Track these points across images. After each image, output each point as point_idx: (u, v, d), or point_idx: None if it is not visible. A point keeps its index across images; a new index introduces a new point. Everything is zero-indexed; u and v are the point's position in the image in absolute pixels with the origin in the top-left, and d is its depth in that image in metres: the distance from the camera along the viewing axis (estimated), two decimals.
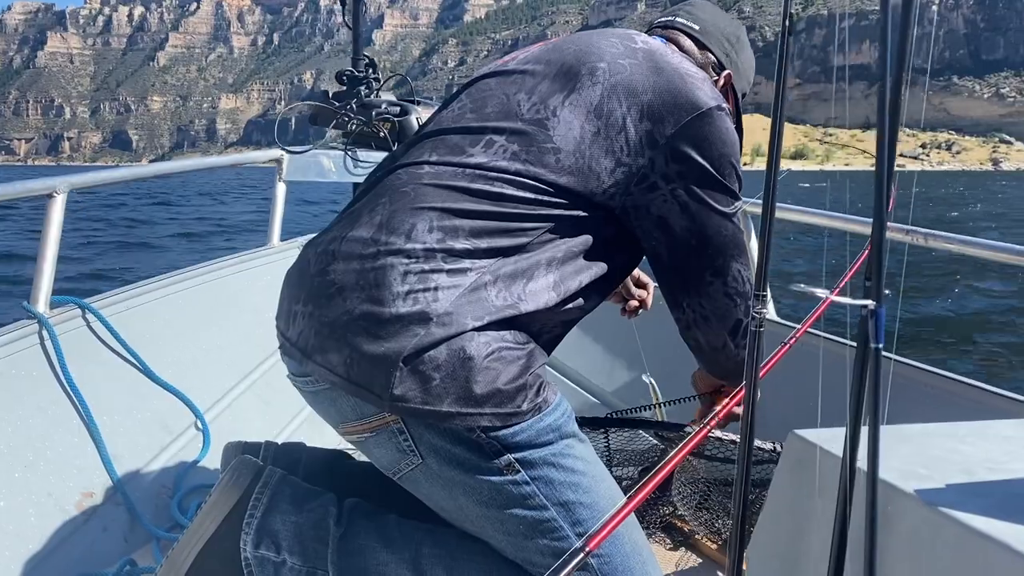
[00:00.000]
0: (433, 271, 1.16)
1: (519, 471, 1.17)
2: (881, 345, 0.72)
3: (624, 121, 1.24)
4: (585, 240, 1.26)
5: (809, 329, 1.53)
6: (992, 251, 1.81)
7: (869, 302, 0.72)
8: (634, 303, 1.79)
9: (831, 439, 0.85)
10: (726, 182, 1.29)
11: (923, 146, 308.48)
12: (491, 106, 1.29)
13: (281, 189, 2.79)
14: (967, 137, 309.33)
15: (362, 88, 2.25)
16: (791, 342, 1.35)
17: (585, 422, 1.72)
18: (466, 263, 1.18)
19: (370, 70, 2.29)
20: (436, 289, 1.15)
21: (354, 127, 2.21)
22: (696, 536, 1.85)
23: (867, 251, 1.36)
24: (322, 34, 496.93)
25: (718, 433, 1.63)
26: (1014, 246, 1.77)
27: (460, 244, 1.18)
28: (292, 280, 1.29)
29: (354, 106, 2.21)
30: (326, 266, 1.22)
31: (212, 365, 2.32)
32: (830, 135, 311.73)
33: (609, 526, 1.00)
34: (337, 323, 1.17)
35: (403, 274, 1.16)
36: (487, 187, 1.21)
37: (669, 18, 1.55)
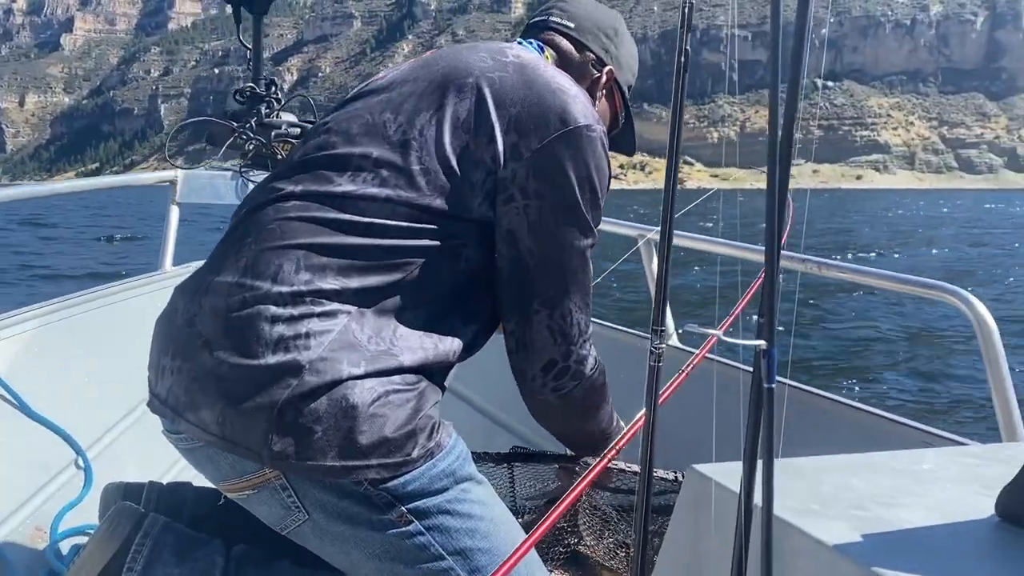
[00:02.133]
0: (303, 316, 1.11)
1: (412, 522, 1.13)
2: (774, 385, 0.73)
3: (493, 132, 1.20)
4: (462, 271, 1.22)
5: (709, 355, 1.57)
6: (884, 280, 1.85)
7: (762, 342, 0.72)
8: None
9: (728, 473, 0.86)
10: (583, 209, 1.24)
11: (621, 167, 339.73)
12: (357, 130, 1.24)
13: (175, 211, 2.66)
14: (657, 159, 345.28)
15: (262, 107, 2.20)
16: (685, 372, 1.38)
17: (488, 457, 1.72)
18: (336, 305, 1.13)
19: (271, 88, 2.23)
20: (307, 336, 1.10)
21: (251, 147, 2.17)
22: (602, 567, 1.85)
23: (758, 282, 1.55)
24: None
25: (621, 464, 1.61)
26: (905, 275, 1.84)
27: (329, 284, 1.13)
28: (161, 330, 1.24)
29: (253, 125, 2.16)
30: (192, 316, 1.17)
31: (96, 398, 2.16)
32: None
33: (505, 567, 1.03)
34: (206, 378, 1.12)
35: (271, 321, 1.11)
36: (356, 218, 1.17)
37: (543, 17, 1.50)
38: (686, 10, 0.89)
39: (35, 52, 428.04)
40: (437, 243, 1.18)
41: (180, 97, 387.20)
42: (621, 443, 1.25)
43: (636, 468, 1.54)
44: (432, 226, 1.18)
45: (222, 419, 1.10)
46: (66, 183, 2.53)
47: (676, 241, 1.83)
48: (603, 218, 2.51)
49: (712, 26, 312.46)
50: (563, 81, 1.28)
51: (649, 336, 2.28)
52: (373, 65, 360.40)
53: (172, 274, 2.63)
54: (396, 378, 1.12)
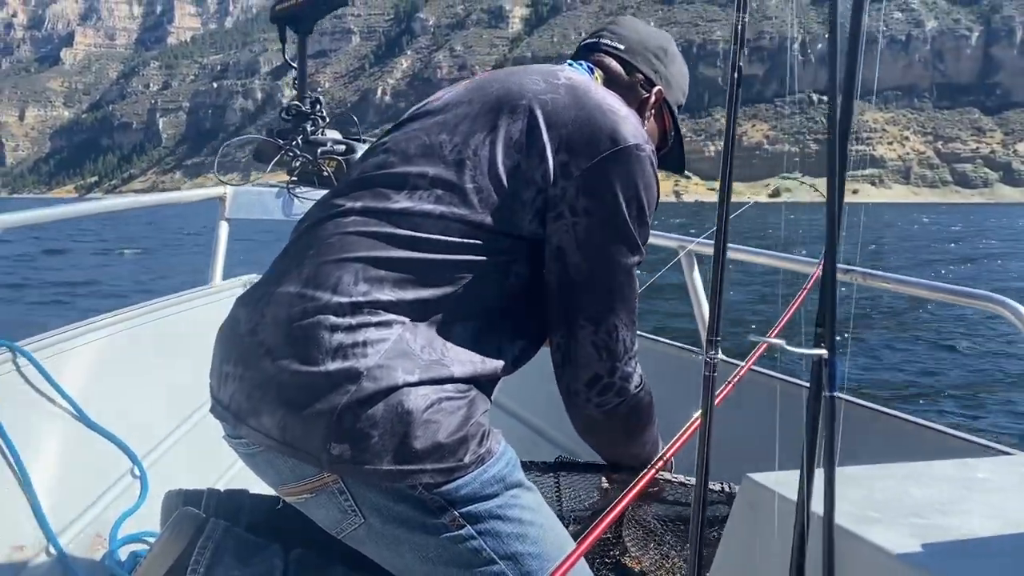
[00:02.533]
0: (360, 325, 1.15)
1: (465, 526, 1.16)
2: (835, 394, 0.72)
3: (544, 152, 1.23)
4: (511, 286, 1.26)
5: (755, 368, 1.56)
6: (929, 290, 1.86)
7: (823, 351, 0.72)
8: None
9: (784, 482, 0.86)
10: (631, 227, 1.27)
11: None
12: (414, 150, 1.28)
13: (224, 226, 2.73)
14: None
15: (307, 125, 2.26)
16: (733, 382, 1.38)
17: (535, 466, 1.73)
18: (391, 316, 1.17)
19: (317, 106, 2.29)
20: (365, 344, 1.14)
21: (298, 164, 2.22)
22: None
23: (805, 291, 1.72)
24: None
25: (667, 475, 1.61)
26: (951, 285, 1.84)
27: (385, 296, 1.17)
28: (223, 338, 1.28)
29: (299, 143, 2.22)
30: (255, 326, 1.21)
31: (150, 409, 2.24)
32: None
33: (558, 574, 1.05)
34: (268, 385, 1.16)
35: (331, 330, 1.15)
36: (412, 233, 1.21)
37: (594, 40, 1.53)
38: (739, 27, 0.90)
39: (35, 66, 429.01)
40: (488, 259, 1.22)
41: (178, 111, 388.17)
42: (669, 453, 1.27)
43: (683, 479, 1.57)
44: (484, 242, 1.22)
45: (283, 424, 1.14)
46: (121, 200, 2.58)
47: (731, 255, 1.81)
48: None
49: (708, 41, 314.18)
50: (613, 102, 1.31)
51: (694, 350, 2.37)
52: (372, 80, 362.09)
53: (221, 288, 2.70)
54: (448, 386, 1.16)
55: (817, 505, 0.75)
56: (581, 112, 1.27)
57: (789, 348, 0.79)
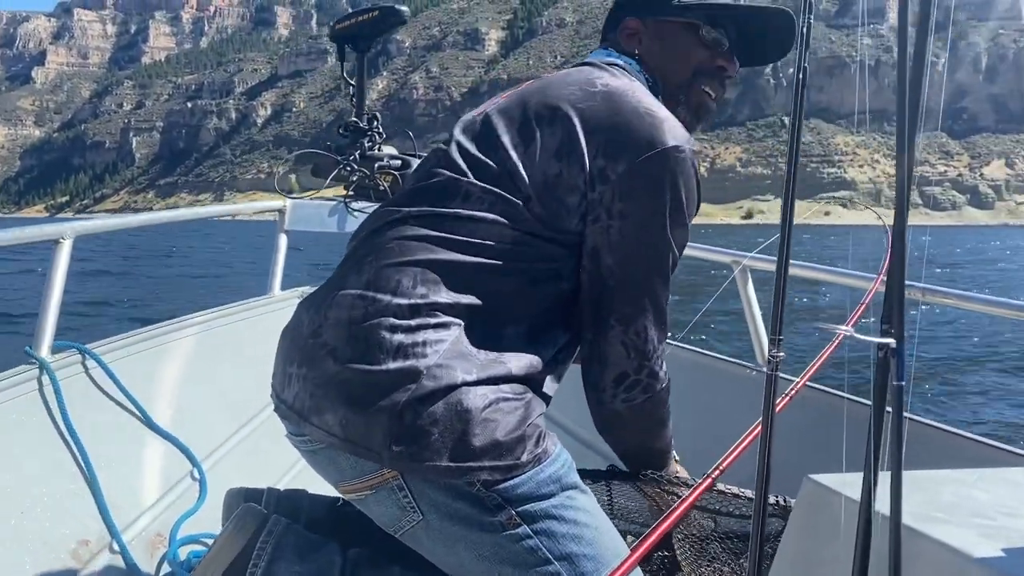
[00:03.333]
0: (420, 327, 1.18)
1: (521, 524, 1.16)
2: (904, 383, 0.72)
3: (583, 159, 1.24)
4: (562, 289, 1.29)
5: (808, 383, 1.55)
6: (986, 305, 1.89)
7: (890, 340, 0.73)
8: None
9: (846, 484, 0.86)
10: (666, 230, 1.27)
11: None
12: (463, 162, 1.31)
13: (283, 238, 2.80)
14: None
15: (365, 141, 2.32)
16: (801, 383, 1.41)
17: (587, 474, 1.73)
18: (449, 317, 1.19)
19: (374, 123, 2.36)
20: (424, 344, 1.17)
21: (355, 179, 2.28)
22: None
23: (872, 291, 1.69)
24: None
25: (720, 486, 1.60)
26: (1011, 300, 1.86)
27: (443, 298, 1.20)
28: (286, 341, 1.31)
29: (357, 157, 2.28)
30: (318, 327, 1.24)
31: (211, 413, 2.30)
32: None
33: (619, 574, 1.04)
34: (330, 384, 1.19)
35: (391, 331, 1.17)
36: (467, 239, 1.24)
37: (610, 17, 1.55)
38: (805, 29, 0.90)
39: (6, 85, 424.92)
40: (539, 264, 1.26)
41: (152, 131, 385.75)
42: (727, 461, 1.25)
43: (737, 490, 1.56)
44: (535, 248, 1.25)
45: (345, 422, 1.16)
46: (184, 211, 2.72)
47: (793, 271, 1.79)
48: (695, 245, 2.65)
49: None
50: (651, 105, 1.30)
51: (748, 364, 2.41)
52: (347, 100, 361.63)
53: (280, 298, 2.78)
54: (505, 386, 1.18)
55: (880, 506, 0.73)
56: (618, 117, 1.27)
57: (860, 336, 0.80)
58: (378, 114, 2.36)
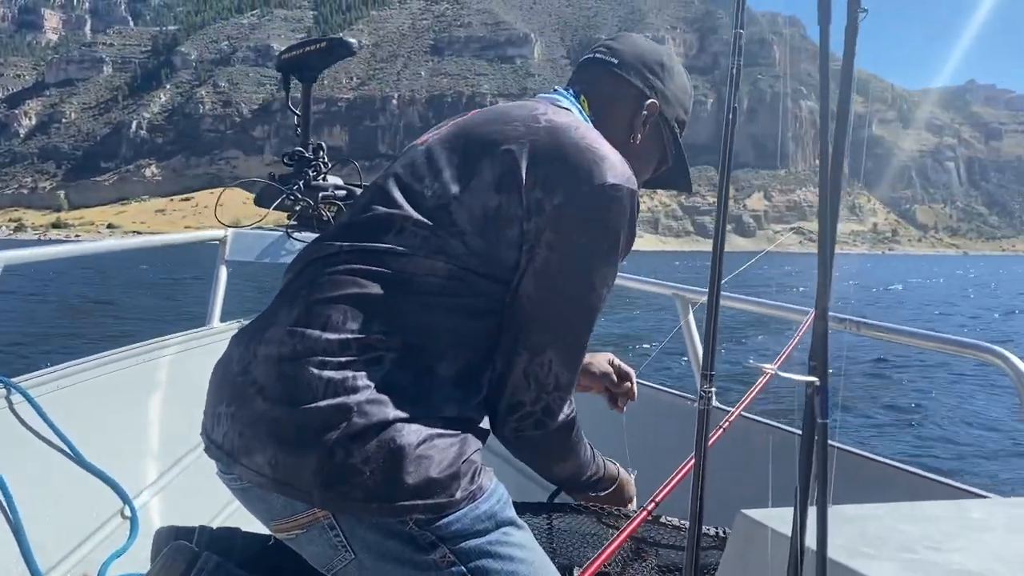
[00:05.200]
0: (350, 363, 1.17)
1: (455, 563, 1.16)
2: (828, 421, 0.74)
3: (521, 191, 1.24)
4: (497, 326, 1.27)
5: (744, 413, 1.59)
6: (922, 340, 1.92)
7: (815, 379, 0.74)
8: (623, 398, 1.75)
9: (778, 518, 0.87)
10: (593, 266, 1.26)
11: None
12: (399, 194, 1.30)
13: (223, 269, 2.71)
14: None
15: (310, 171, 2.31)
16: (731, 419, 1.44)
17: (527, 507, 1.74)
18: (380, 353, 1.19)
19: (319, 153, 2.35)
20: (355, 380, 1.16)
21: (299, 208, 2.27)
22: None
23: (802, 332, 1.84)
24: None
25: (664, 518, 1.65)
26: (943, 335, 1.90)
27: (375, 334, 1.20)
28: (216, 378, 1.29)
29: (301, 187, 2.26)
30: (247, 364, 1.23)
31: (144, 448, 2.24)
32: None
33: None
34: (259, 423, 1.18)
35: (320, 367, 1.17)
36: (400, 273, 1.23)
37: (589, 55, 1.54)
38: (734, 71, 0.92)
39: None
40: (475, 299, 1.25)
41: None
42: (661, 496, 1.27)
43: (677, 522, 1.57)
44: (471, 284, 1.24)
45: (274, 462, 1.15)
46: (130, 240, 2.76)
47: (725, 303, 2.05)
48: (638, 278, 2.83)
49: (477, 93, 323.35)
50: (593, 140, 1.31)
51: (688, 396, 2.64)
52: (126, 113, 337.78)
53: (220, 330, 2.68)
54: (439, 423, 1.18)
55: (811, 540, 0.75)
56: (559, 151, 1.28)
57: (785, 374, 0.84)
58: (323, 143, 2.37)
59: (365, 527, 1.16)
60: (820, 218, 0.74)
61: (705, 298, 2.37)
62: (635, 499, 1.58)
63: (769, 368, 0.91)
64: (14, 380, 1.95)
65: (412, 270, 1.24)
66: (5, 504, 1.75)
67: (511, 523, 1.23)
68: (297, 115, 2.41)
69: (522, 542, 1.24)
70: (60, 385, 2.07)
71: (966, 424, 11.06)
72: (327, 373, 1.16)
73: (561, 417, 1.31)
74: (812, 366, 0.75)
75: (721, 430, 1.44)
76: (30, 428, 1.94)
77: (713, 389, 0.93)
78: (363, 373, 1.17)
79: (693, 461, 1.12)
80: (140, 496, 2.13)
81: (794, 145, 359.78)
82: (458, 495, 1.16)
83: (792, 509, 0.78)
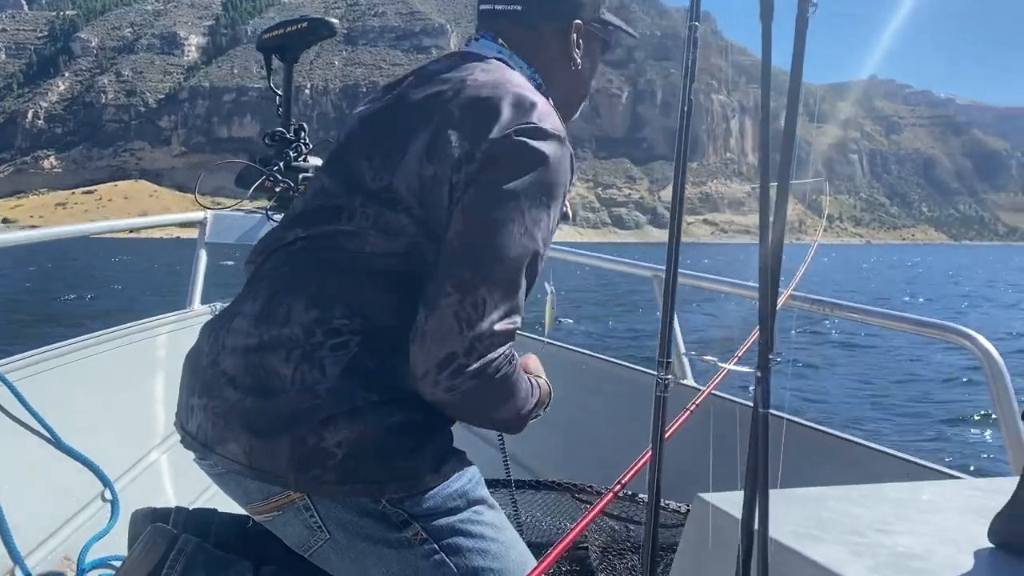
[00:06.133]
0: (315, 349, 1.18)
1: (427, 540, 1.17)
2: (768, 411, 0.75)
3: (451, 150, 1.21)
4: None
5: (716, 392, 1.62)
6: (891, 320, 1.93)
7: (757, 371, 0.76)
8: None
9: (732, 501, 0.88)
10: (524, 207, 1.20)
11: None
12: (343, 177, 1.29)
13: (203, 252, 2.69)
14: None
15: (291, 151, 2.29)
16: (692, 407, 1.45)
17: (496, 484, 1.67)
18: (345, 337, 1.19)
19: (301, 134, 2.32)
20: (321, 367, 1.16)
21: (279, 189, 2.24)
22: None
23: (748, 343, 1.78)
24: None
25: (639, 495, 1.61)
26: (912, 316, 1.92)
27: (337, 319, 1.19)
28: (188, 368, 1.31)
29: (282, 168, 2.24)
30: (216, 356, 1.24)
31: (124, 431, 2.22)
32: (218, 203, 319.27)
33: None
34: (231, 413, 1.19)
35: (287, 357, 1.18)
36: (356, 257, 1.23)
37: (488, 6, 1.45)
38: (690, 63, 0.91)
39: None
40: (430, 273, 1.21)
41: None
42: (627, 476, 1.25)
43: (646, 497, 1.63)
44: (424, 258, 1.22)
45: (249, 450, 1.17)
46: (102, 224, 2.63)
47: (684, 280, 2.07)
48: (616, 259, 2.89)
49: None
50: (522, 90, 1.28)
51: (653, 373, 2.59)
52: (20, 102, 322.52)
53: (200, 312, 2.66)
54: (408, 404, 1.18)
55: (763, 523, 0.76)
56: (487, 103, 1.24)
57: (728, 367, 0.92)
58: (305, 125, 2.34)
59: (339, 507, 1.18)
60: (761, 212, 0.75)
61: (682, 279, 2.24)
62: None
63: (716, 361, 0.96)
64: None
65: (369, 251, 1.23)
66: None
67: (483, 502, 1.25)
68: (279, 95, 2.37)
69: (494, 521, 1.25)
70: (38, 369, 2.04)
71: (931, 402, 11.30)
72: (294, 362, 1.18)
73: (498, 362, 1.19)
74: (758, 355, 0.77)
75: (688, 412, 1.46)
76: (7, 412, 1.91)
77: (670, 376, 0.93)
78: (329, 358, 1.17)
79: (646, 458, 1.17)
80: (121, 479, 2.11)
81: (706, 138, 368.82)
82: (429, 474, 1.18)
83: (741, 494, 0.80)
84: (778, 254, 0.76)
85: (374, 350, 1.19)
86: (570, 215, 1.44)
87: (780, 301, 1.82)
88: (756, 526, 0.77)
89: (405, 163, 1.24)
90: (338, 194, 1.28)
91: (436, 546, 1.18)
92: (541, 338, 2.97)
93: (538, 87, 1.38)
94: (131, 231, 3.12)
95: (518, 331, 1.23)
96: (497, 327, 1.17)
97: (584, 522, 1.20)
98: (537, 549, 1.35)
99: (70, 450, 2.02)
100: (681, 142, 0.94)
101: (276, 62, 2.34)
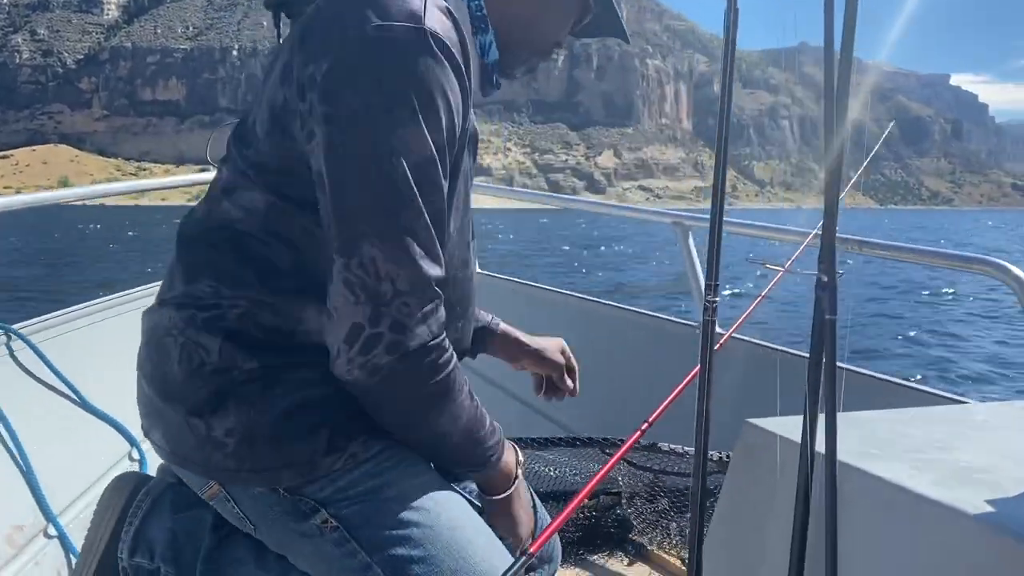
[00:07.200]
0: (189, 322, 1.08)
1: (337, 528, 1.07)
2: (836, 317, 0.74)
3: (292, 72, 1.01)
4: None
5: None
6: (923, 256, 1.93)
7: (823, 275, 0.73)
8: (556, 392, 1.54)
9: (784, 426, 0.88)
10: (384, 128, 0.97)
11: None
12: (238, 129, 1.14)
13: None
14: None
15: None
16: (748, 313, 1.43)
17: (528, 442, 1.70)
18: (216, 300, 1.07)
19: None
20: (200, 340, 1.06)
21: None
22: (649, 548, 1.93)
23: (809, 239, 1.77)
24: None
25: (664, 446, 1.62)
26: (944, 250, 1.93)
27: (205, 286, 1.08)
28: None
29: None
30: (144, 339, 1.17)
31: None
32: (144, 169, 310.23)
33: (547, 532, 0.96)
34: (146, 400, 1.14)
35: (171, 335, 1.09)
36: (231, 223, 1.09)
37: None
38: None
39: None
40: (305, 217, 1.04)
41: None
42: (657, 414, 1.12)
43: (681, 448, 1.60)
44: (293, 198, 1.05)
45: (166, 436, 1.11)
46: (120, 184, 2.63)
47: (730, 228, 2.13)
48: (636, 207, 3.02)
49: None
50: None
51: (687, 322, 2.58)
52: None
53: None
54: (303, 380, 1.06)
55: (818, 445, 0.74)
56: (329, 13, 1.02)
57: (796, 271, 0.83)
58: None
59: (251, 497, 1.10)
60: (825, 110, 0.74)
61: (700, 223, 2.41)
62: (530, 525, 1.24)
63: (779, 268, 0.91)
64: (14, 326, 1.92)
65: (236, 210, 1.09)
66: (15, 450, 1.76)
67: (403, 482, 1.09)
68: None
69: (419, 503, 1.08)
70: (61, 331, 2.06)
71: (967, 340, 11.83)
72: (176, 337, 1.09)
73: (420, 332, 1.01)
74: (821, 265, 0.74)
75: (737, 325, 1.41)
76: (33, 375, 1.93)
77: (717, 298, 0.87)
78: (203, 329, 1.07)
79: (688, 380, 1.16)
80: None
81: (641, 103, 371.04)
82: (329, 456, 1.05)
83: (796, 418, 0.77)
84: (843, 146, 0.74)
85: (262, 317, 1.06)
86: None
87: (804, 242, 1.77)
88: (816, 446, 0.74)
89: (264, 94, 1.07)
90: (230, 152, 1.14)
91: (347, 534, 1.06)
92: (564, 291, 3.04)
93: (477, 13, 1.16)
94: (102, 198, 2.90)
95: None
96: (400, 284, 0.98)
97: (612, 462, 1.08)
98: (566, 499, 1.27)
99: (96, 411, 2.05)
100: (728, 77, 0.84)
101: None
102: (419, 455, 1.14)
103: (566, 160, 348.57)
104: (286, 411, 1.05)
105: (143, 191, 2.86)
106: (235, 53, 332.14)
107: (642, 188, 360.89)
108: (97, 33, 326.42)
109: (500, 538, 1.16)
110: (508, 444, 1.19)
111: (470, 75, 1.06)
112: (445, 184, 1.04)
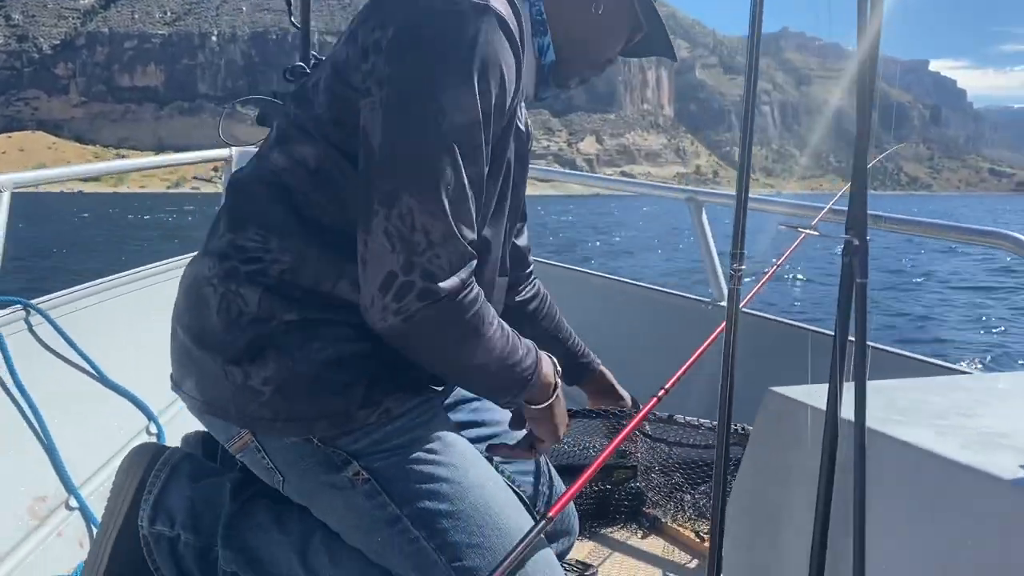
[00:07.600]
0: (230, 274, 1.12)
1: (368, 480, 1.10)
2: (867, 280, 0.73)
3: (360, 35, 1.11)
4: None
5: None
6: (938, 230, 1.95)
7: (853, 239, 0.72)
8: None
9: (809, 395, 0.88)
10: (436, 92, 1.04)
11: (215, 169, 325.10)
12: (297, 91, 1.22)
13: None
14: None
15: None
16: (770, 275, 1.52)
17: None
18: (261, 255, 1.12)
19: None
20: (240, 292, 1.10)
21: None
22: (663, 521, 1.94)
23: (835, 200, 1.91)
24: None
25: (680, 418, 1.64)
26: (959, 224, 1.92)
27: (253, 234, 1.12)
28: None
29: None
30: (180, 292, 1.22)
31: (165, 366, 2.10)
32: (123, 156, 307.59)
33: (565, 498, 1.07)
34: (182, 351, 1.18)
35: (212, 285, 1.13)
36: (279, 176, 1.14)
37: None
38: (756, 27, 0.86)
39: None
40: (347, 186, 1.11)
41: None
42: (671, 382, 1.21)
43: (696, 421, 1.63)
44: (347, 152, 1.11)
45: (200, 386, 1.15)
46: (134, 161, 2.66)
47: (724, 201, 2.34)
48: (651, 184, 3.21)
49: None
50: None
51: (701, 299, 2.73)
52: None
53: None
54: (341, 334, 1.10)
55: (843, 412, 0.76)
56: None
57: (823, 234, 0.84)
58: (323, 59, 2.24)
59: (283, 447, 1.13)
60: (858, 99, 0.77)
61: (714, 198, 2.50)
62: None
63: (806, 230, 0.90)
64: (32, 301, 1.94)
65: (287, 159, 1.15)
66: (36, 423, 1.79)
67: (435, 439, 1.15)
68: (298, 28, 2.31)
69: (449, 460, 1.14)
70: (79, 306, 2.07)
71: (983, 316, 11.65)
72: (218, 289, 1.13)
73: (450, 281, 1.06)
74: (850, 230, 0.73)
75: (764, 281, 1.44)
76: (51, 349, 1.94)
77: (743, 266, 0.89)
78: (245, 282, 1.11)
79: (708, 344, 1.20)
80: (165, 412, 2.13)
81: (623, 89, 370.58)
82: (364, 410, 1.10)
83: (819, 386, 0.78)
84: (872, 105, 0.76)
85: (306, 271, 1.11)
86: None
87: (825, 208, 1.87)
88: (844, 413, 0.76)
89: (332, 57, 1.16)
90: (287, 113, 1.21)
91: (378, 486, 1.11)
92: (580, 269, 2.98)
93: (537, 17, 1.25)
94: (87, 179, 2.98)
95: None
96: (434, 236, 1.05)
97: (629, 428, 1.14)
98: (580, 471, 1.29)
99: (115, 385, 2.06)
100: (753, 47, 0.91)
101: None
102: (463, 390, 1.26)
103: (548, 146, 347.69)
104: (324, 363, 1.09)
105: (173, 165, 2.95)
106: (214, 39, 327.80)
107: (624, 175, 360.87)
108: (73, 18, 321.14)
109: (536, 446, 1.27)
110: (544, 356, 1.22)
111: (523, 64, 1.15)
112: (487, 150, 1.11)
